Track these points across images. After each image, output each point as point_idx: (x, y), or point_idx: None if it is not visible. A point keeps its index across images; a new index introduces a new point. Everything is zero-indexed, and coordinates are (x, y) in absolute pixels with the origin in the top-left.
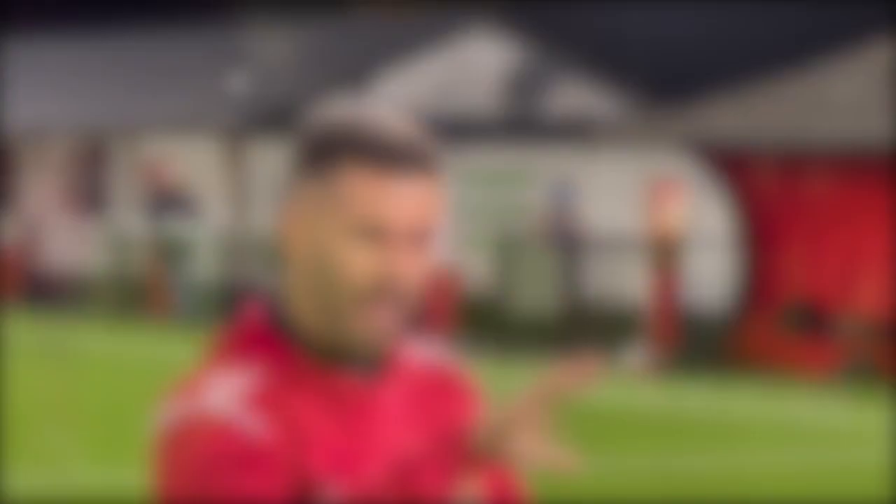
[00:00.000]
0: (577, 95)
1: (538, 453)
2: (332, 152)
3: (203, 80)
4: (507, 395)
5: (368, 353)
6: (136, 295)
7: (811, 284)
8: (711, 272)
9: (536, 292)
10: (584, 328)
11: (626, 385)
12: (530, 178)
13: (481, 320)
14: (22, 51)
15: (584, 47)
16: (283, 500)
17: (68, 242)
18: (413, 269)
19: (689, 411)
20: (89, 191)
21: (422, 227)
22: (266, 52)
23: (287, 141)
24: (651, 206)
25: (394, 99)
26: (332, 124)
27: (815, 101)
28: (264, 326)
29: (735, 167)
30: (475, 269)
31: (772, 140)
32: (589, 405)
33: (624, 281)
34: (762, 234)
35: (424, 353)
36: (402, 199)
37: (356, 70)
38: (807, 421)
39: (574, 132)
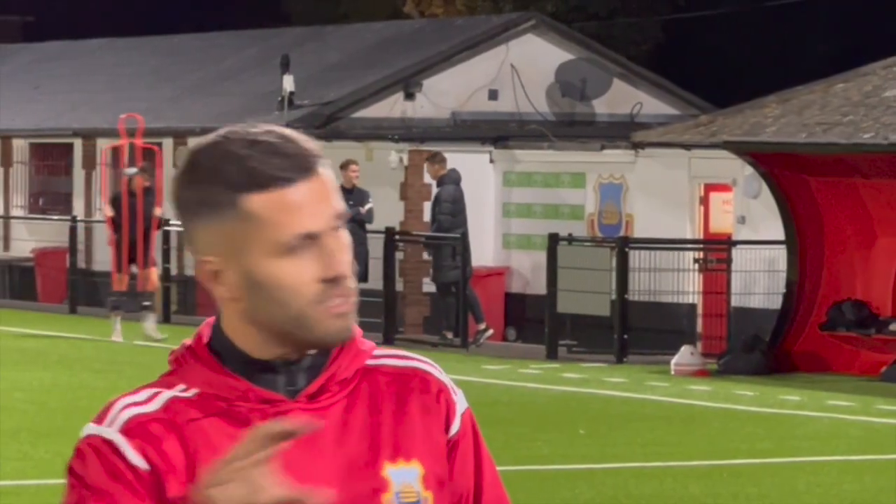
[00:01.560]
0: (628, 97)
1: (272, 488)
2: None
3: (254, 82)
4: (558, 393)
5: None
6: (190, 296)
7: (862, 286)
8: (760, 274)
9: (587, 292)
10: (634, 329)
11: (679, 385)
12: (581, 179)
13: (531, 320)
14: (78, 53)
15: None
16: None
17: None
18: None
19: (740, 410)
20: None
21: None
22: (316, 54)
23: (330, 143)
24: (702, 208)
25: (444, 99)
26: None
27: (868, 102)
28: (201, 342)
29: (785, 168)
30: (525, 269)
31: (824, 142)
32: (641, 405)
33: (674, 282)
34: (813, 236)
35: (392, 359)
36: None
37: (406, 70)
38: (853, 420)
39: (625, 133)
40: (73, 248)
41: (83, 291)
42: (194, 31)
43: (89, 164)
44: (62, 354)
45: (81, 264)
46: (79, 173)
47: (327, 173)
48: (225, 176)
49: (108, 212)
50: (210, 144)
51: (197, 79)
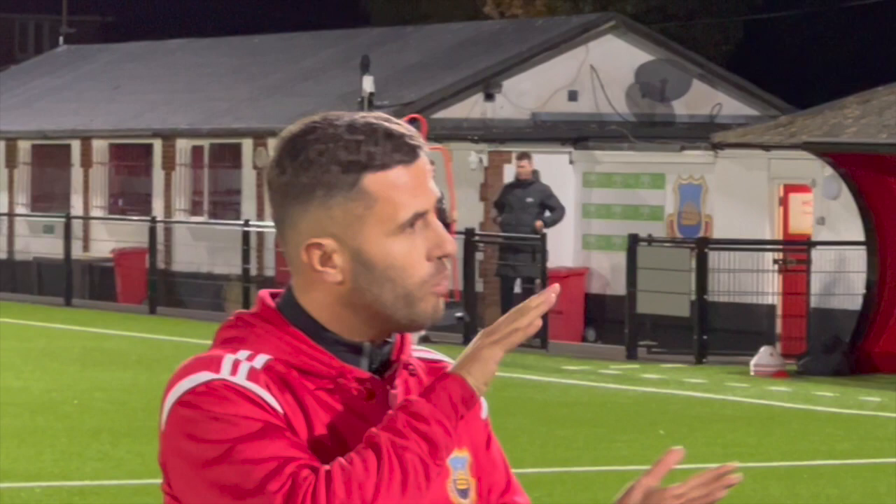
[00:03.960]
0: (708, 97)
1: None
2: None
3: (333, 82)
4: (638, 394)
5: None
6: None
7: None
8: (840, 274)
9: (667, 293)
10: (714, 329)
11: (758, 385)
12: (660, 180)
13: (611, 321)
14: (158, 54)
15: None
16: (307, 464)
17: (197, 244)
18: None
19: (820, 412)
20: (221, 191)
21: None
22: (396, 55)
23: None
24: (781, 209)
25: (524, 100)
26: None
27: None
28: (278, 316)
29: (865, 169)
30: (604, 269)
31: None
32: (721, 406)
33: (753, 283)
34: (893, 237)
35: (423, 353)
36: None
37: (485, 71)
38: None
39: (704, 134)
40: (152, 248)
41: (163, 292)
42: (274, 32)
43: (169, 164)
44: (142, 355)
45: (161, 265)
46: (158, 174)
47: (426, 158)
48: (341, 157)
49: None
50: (310, 130)
51: (276, 79)
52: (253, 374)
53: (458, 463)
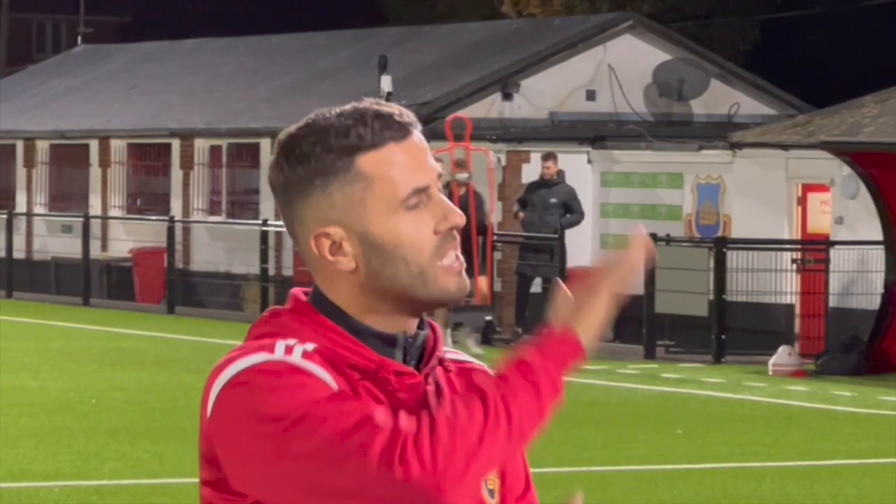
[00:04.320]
0: (726, 97)
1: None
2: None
3: (351, 82)
4: (656, 393)
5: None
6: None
7: None
8: (858, 274)
9: (685, 292)
10: (732, 329)
11: (776, 385)
12: (678, 179)
13: (629, 320)
14: (175, 54)
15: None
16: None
17: (215, 243)
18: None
19: (838, 411)
20: (239, 191)
21: None
22: (414, 54)
23: (428, 143)
24: (799, 208)
25: (542, 100)
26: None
27: None
28: (311, 310)
29: (883, 168)
30: None
31: None
32: (739, 405)
33: (771, 282)
34: None
35: (452, 354)
36: None
37: (503, 70)
38: None
39: (722, 133)
40: (170, 248)
41: (181, 291)
42: (291, 32)
43: (187, 164)
44: (160, 354)
45: (179, 264)
46: (176, 173)
47: (420, 136)
48: (333, 144)
49: None
50: (303, 126)
51: (294, 79)
52: (307, 356)
53: None
